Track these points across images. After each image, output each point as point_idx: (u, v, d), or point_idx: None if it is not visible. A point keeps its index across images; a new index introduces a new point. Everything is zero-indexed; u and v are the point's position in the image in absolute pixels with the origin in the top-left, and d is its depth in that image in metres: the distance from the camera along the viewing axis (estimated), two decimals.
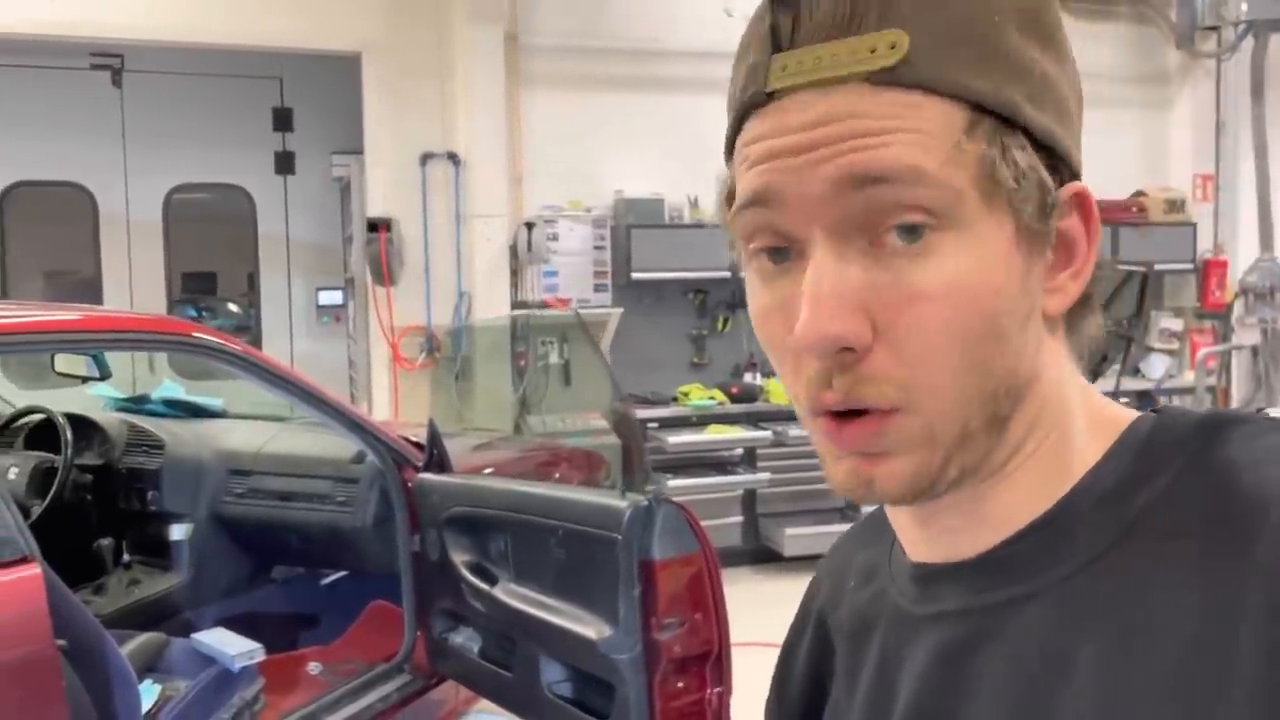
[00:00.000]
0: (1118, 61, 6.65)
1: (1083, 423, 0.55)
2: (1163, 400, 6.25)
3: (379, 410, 5.60)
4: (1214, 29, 6.46)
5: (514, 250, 5.60)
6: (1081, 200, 0.54)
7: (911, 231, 0.50)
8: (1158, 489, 0.51)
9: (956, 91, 0.50)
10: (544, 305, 5.55)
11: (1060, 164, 0.53)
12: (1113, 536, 0.51)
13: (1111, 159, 6.49)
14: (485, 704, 2.88)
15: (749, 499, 5.72)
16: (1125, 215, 6.41)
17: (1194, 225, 6.61)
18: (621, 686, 2.11)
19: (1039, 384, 0.54)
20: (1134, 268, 5.83)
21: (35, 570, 1.93)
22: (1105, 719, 0.48)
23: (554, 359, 5.57)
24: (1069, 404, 0.55)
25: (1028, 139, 0.51)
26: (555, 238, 5.58)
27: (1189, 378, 6.36)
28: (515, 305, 5.61)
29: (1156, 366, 6.58)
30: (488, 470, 3.24)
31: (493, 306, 5.55)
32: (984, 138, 0.50)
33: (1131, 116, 6.68)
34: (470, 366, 5.60)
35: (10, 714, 1.87)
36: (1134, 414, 0.56)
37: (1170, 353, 6.66)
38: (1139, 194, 6.62)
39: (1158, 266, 6.22)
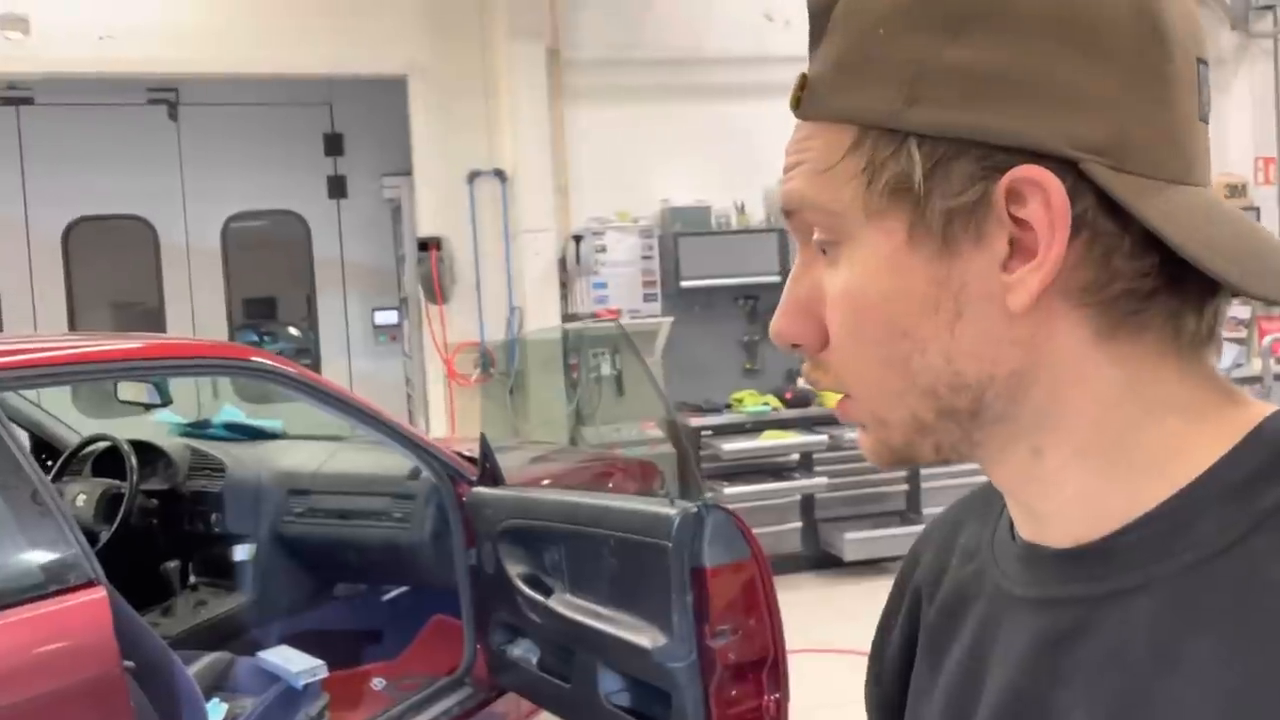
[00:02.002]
0: None
1: (1179, 418, 0.53)
2: None
3: (436, 426, 5.67)
4: (1269, 8, 6.30)
5: (563, 263, 5.63)
6: (1038, 186, 0.49)
7: (824, 246, 0.56)
8: None
9: (839, 116, 0.53)
10: (595, 317, 5.58)
11: (997, 152, 0.50)
12: (1237, 531, 0.49)
13: None
14: (546, 716, 2.89)
15: (807, 504, 5.68)
16: None
17: (1257, 209, 6.45)
18: (678, 694, 2.11)
19: (1038, 376, 0.53)
20: None
21: (101, 594, 1.98)
22: (1217, 718, 0.46)
23: (606, 370, 5.59)
24: (1130, 400, 0.53)
25: (923, 140, 0.51)
26: (603, 249, 5.60)
27: (1257, 365, 6.19)
28: (566, 318, 5.65)
29: (1224, 355, 6.41)
30: (545, 482, 3.26)
31: (544, 320, 5.59)
32: (864, 154, 0.52)
33: None
34: (524, 380, 5.65)
35: None
36: (1268, 409, 0.53)
37: (1239, 341, 6.49)
38: None
39: None
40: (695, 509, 2.06)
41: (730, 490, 5.37)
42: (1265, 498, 0.49)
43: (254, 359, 2.78)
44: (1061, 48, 0.50)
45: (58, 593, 1.94)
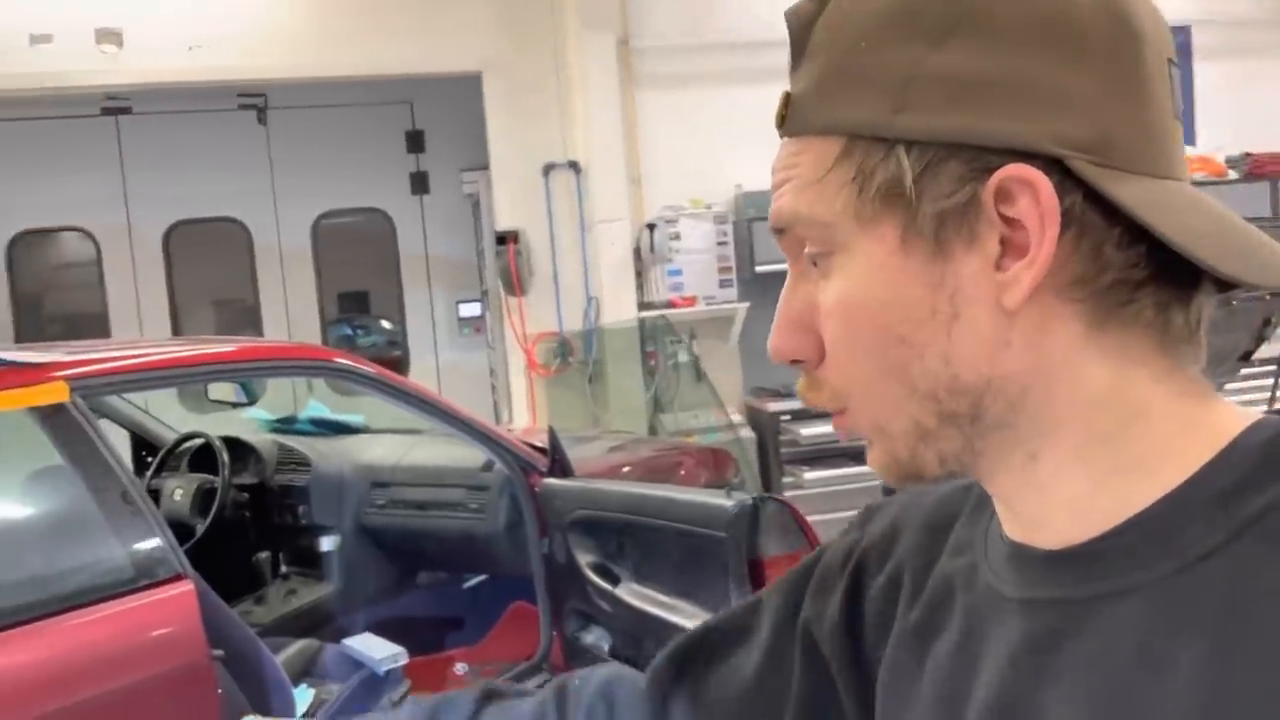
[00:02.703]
0: (1261, 5, 6.23)
1: (1167, 419, 0.54)
2: None
3: (519, 417, 5.77)
4: None
5: (638, 252, 5.66)
6: (1026, 184, 0.51)
7: (816, 259, 0.56)
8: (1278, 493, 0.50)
9: (827, 129, 0.54)
10: (670, 305, 5.60)
11: (985, 154, 0.51)
12: (1223, 537, 0.50)
13: (1265, 109, 6.10)
14: None
15: (890, 487, 5.61)
16: None
17: None
18: None
19: (1034, 377, 0.53)
20: None
21: (189, 587, 2.10)
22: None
23: (683, 357, 5.61)
24: (1120, 398, 0.53)
25: (911, 146, 0.52)
26: (677, 237, 5.62)
27: None
28: (642, 306, 5.68)
29: None
30: (625, 469, 3.31)
31: (621, 309, 5.63)
32: (854, 163, 0.53)
33: None
34: (602, 369, 5.71)
35: (169, 718, 2.04)
36: (1252, 416, 0.54)
37: None
38: None
39: None
40: (750, 501, 2.08)
41: (811, 475, 5.35)
42: (1249, 505, 0.50)
43: (336, 360, 2.89)
44: (1042, 51, 0.51)
45: (148, 587, 2.07)
